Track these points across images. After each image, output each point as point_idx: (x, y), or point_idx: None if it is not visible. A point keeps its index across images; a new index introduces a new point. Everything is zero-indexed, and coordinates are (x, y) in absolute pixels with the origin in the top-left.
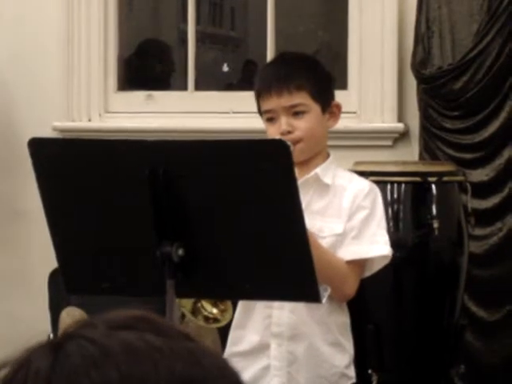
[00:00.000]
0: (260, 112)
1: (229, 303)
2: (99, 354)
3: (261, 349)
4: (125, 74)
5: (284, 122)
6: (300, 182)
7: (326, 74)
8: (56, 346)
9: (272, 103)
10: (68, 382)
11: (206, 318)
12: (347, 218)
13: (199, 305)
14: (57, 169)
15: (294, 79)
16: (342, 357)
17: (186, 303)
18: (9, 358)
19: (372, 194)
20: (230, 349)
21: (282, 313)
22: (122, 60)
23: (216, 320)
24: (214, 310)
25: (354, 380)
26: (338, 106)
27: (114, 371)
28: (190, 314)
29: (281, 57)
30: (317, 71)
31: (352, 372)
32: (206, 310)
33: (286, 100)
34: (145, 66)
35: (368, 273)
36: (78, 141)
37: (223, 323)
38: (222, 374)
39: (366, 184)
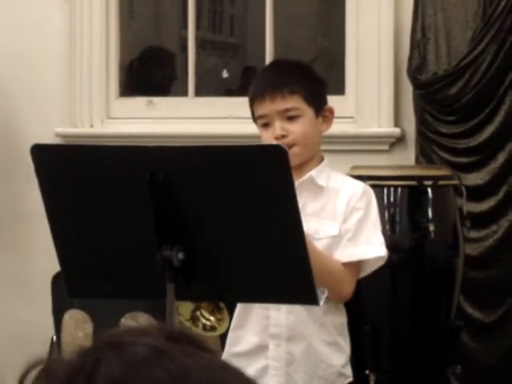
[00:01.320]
0: (254, 118)
1: (225, 312)
2: (162, 356)
3: (259, 349)
4: (126, 81)
5: (278, 127)
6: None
7: (319, 78)
8: (118, 351)
9: (266, 108)
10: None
11: (204, 326)
12: (342, 220)
13: (198, 313)
14: (59, 174)
15: (287, 84)
16: (339, 356)
17: (185, 311)
18: (39, 358)
19: (366, 196)
20: (229, 349)
21: (280, 314)
22: (123, 66)
23: (213, 328)
24: (212, 318)
25: (351, 379)
26: (331, 110)
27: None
28: (189, 322)
29: (274, 64)
30: (309, 76)
31: (349, 371)
32: (204, 317)
33: (280, 104)
34: (146, 72)
35: (363, 273)
36: (79, 147)
37: (220, 332)
38: None
39: (360, 186)
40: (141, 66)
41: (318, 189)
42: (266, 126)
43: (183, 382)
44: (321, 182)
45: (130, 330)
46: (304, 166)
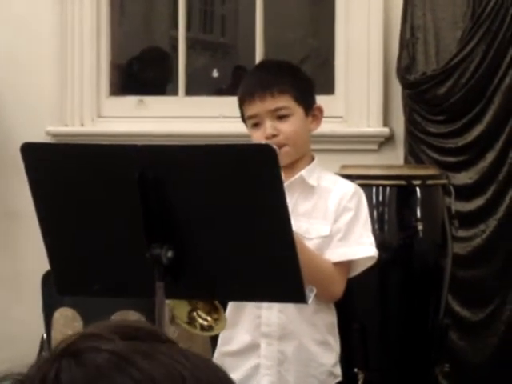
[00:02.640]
0: (243, 119)
1: (222, 312)
2: (127, 366)
3: (251, 348)
4: (117, 80)
5: (269, 126)
6: (285, 184)
7: (307, 78)
8: (77, 358)
9: (256, 108)
10: None
11: (202, 327)
12: (333, 220)
13: (195, 314)
14: (49, 173)
15: (277, 84)
16: (329, 355)
17: (181, 313)
18: (9, 371)
19: (357, 196)
20: (221, 349)
21: (272, 313)
22: (115, 65)
23: (210, 328)
24: (209, 318)
25: (340, 378)
26: (320, 109)
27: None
28: (186, 323)
29: (262, 64)
30: (297, 76)
31: (338, 370)
32: (201, 318)
33: (270, 104)
34: (137, 71)
35: (353, 273)
36: (69, 145)
37: (217, 331)
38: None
39: (350, 186)
40: (135, 65)
41: (309, 188)
42: (256, 125)
43: None
44: (312, 181)
45: (84, 335)
46: (295, 165)
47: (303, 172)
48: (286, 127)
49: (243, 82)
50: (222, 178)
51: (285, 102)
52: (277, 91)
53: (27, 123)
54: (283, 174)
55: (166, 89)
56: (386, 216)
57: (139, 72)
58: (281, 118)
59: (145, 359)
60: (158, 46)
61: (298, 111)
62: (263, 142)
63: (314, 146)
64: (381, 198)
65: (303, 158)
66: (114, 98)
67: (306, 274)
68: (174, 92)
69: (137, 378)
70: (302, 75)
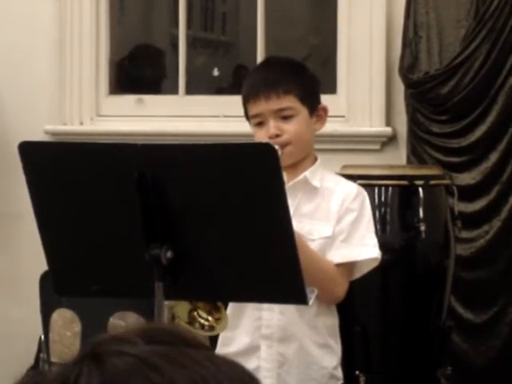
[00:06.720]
0: (247, 117)
1: (223, 311)
2: (147, 369)
3: (251, 350)
4: (116, 78)
5: (272, 126)
6: (289, 185)
7: (313, 77)
8: (98, 363)
9: (260, 107)
10: None
11: (202, 326)
12: (336, 221)
13: (195, 313)
14: (47, 172)
15: (282, 83)
16: (330, 358)
17: (182, 313)
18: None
19: (360, 197)
20: (221, 350)
21: (272, 315)
22: (113, 64)
23: (211, 328)
24: (210, 318)
25: (341, 381)
26: (325, 109)
27: (164, 379)
28: (187, 323)
29: (267, 62)
30: (303, 75)
31: (340, 373)
32: (201, 317)
33: (275, 104)
34: (136, 70)
35: (357, 275)
36: (67, 144)
37: (219, 331)
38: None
39: (353, 187)
40: (130, 63)
41: (312, 189)
42: (260, 125)
43: None
44: (315, 182)
45: (110, 338)
46: (298, 166)
47: (307, 173)
48: (289, 127)
49: (248, 79)
50: (222, 178)
51: (289, 102)
52: (282, 91)
53: (26, 122)
54: (286, 175)
55: (161, 87)
56: (388, 217)
57: (131, 70)
58: (285, 118)
59: (167, 363)
60: (150, 43)
61: (303, 111)
62: (265, 141)
63: (315, 146)
64: (383, 199)
65: (306, 158)
66: (113, 96)
67: (307, 274)
68: (174, 91)
69: (156, 381)
70: (308, 74)
